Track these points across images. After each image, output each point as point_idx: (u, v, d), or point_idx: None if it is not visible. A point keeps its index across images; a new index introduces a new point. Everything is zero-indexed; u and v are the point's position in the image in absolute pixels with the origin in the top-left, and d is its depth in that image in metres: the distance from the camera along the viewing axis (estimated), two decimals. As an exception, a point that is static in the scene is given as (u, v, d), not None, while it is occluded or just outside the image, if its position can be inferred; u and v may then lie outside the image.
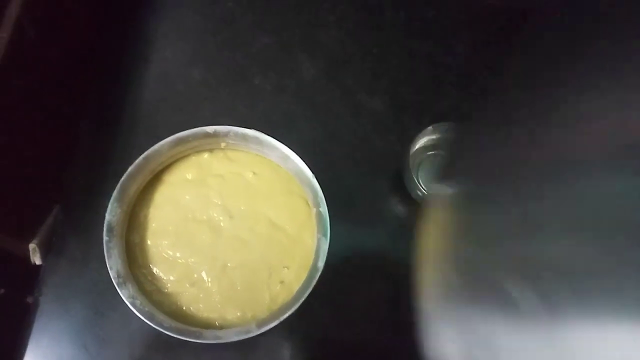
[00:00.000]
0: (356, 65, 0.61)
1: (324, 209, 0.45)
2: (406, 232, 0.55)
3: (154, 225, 0.47)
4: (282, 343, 0.49)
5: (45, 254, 0.49)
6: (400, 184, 0.55)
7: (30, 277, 0.48)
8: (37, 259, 0.48)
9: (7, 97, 0.43)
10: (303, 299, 0.41)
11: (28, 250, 0.47)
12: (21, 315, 0.48)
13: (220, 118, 0.56)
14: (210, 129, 0.46)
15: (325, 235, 0.44)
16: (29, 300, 0.48)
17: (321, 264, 0.43)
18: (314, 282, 0.42)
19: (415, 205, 0.55)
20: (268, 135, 0.47)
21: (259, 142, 0.47)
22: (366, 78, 0.61)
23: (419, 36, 0.64)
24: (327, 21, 0.63)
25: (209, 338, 0.40)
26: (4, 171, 0.44)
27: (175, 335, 0.39)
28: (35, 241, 0.47)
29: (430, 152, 0.57)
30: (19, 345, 0.46)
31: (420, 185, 0.55)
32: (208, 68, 0.58)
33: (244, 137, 0.47)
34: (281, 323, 0.41)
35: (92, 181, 0.52)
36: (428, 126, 0.53)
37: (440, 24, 0.65)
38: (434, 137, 0.56)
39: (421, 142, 0.55)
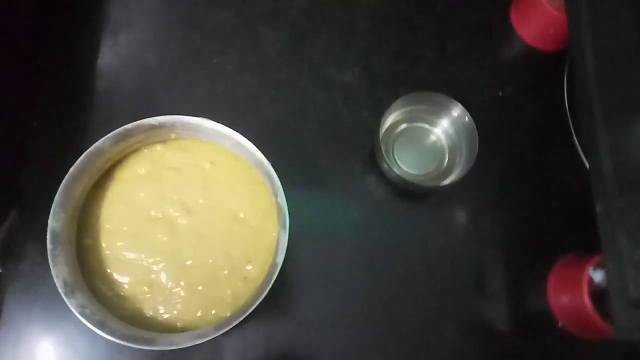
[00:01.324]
0: (323, 35, 0.56)
1: (282, 198, 0.41)
2: (381, 212, 0.51)
3: (107, 226, 0.44)
4: (259, 335, 0.47)
5: (4, 260, 0.47)
6: (374, 162, 0.51)
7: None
8: (-5, 267, 0.47)
9: None
10: (262, 297, 0.39)
11: (-16, 259, 0.46)
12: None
13: (178, 104, 0.53)
14: (154, 120, 0.43)
15: (284, 227, 0.41)
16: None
17: (280, 259, 0.40)
18: (274, 278, 0.39)
19: (390, 184, 0.51)
20: (226, 119, 0.43)
21: (208, 130, 0.43)
22: (335, 49, 0.56)
23: (393, -2, 0.58)
24: (292, -12, 0.58)
25: (162, 344, 0.38)
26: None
27: (126, 344, 0.37)
28: (-10, 249, 0.46)
29: (405, 125, 0.53)
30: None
31: (394, 163, 0.51)
32: (163, 51, 0.54)
33: (191, 127, 0.43)
34: (253, 316, 0.38)
35: (47, 181, 0.49)
36: (405, 98, 0.49)
37: (416, -18, 0.59)
38: (408, 108, 0.51)
39: (393, 115, 0.51)
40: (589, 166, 0.41)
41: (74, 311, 0.38)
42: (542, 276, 0.49)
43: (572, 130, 0.51)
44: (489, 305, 0.50)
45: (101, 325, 0.38)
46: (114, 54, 0.54)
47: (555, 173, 0.53)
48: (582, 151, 0.49)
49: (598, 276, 0.43)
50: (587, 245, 0.45)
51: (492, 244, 0.51)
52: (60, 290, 0.38)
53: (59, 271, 0.39)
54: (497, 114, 0.55)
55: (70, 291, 0.39)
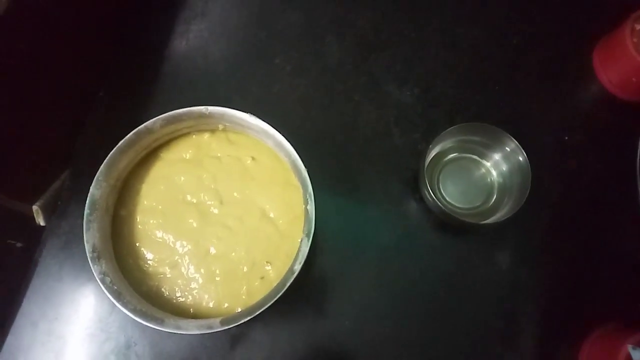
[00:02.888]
0: (388, 52, 0.55)
1: (312, 207, 0.41)
2: (414, 240, 0.49)
3: (145, 202, 0.46)
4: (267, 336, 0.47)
5: (48, 216, 0.50)
6: (416, 187, 0.50)
7: (34, 238, 0.50)
8: (40, 221, 0.50)
9: (24, 57, 0.43)
10: (272, 302, 0.38)
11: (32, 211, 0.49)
12: (24, 271, 0.50)
13: (233, 97, 0.54)
14: (205, 109, 0.44)
15: (308, 236, 0.40)
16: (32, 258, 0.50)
17: (298, 267, 0.39)
18: (287, 285, 0.39)
19: (429, 213, 0.49)
20: (276, 119, 0.43)
21: (254, 127, 0.44)
22: (397, 67, 0.55)
23: (467, 22, 0.56)
24: (363, 0, 0.57)
25: (169, 327, 0.38)
26: (17, 132, 0.45)
27: (137, 319, 0.38)
28: (38, 203, 0.49)
29: (455, 155, 0.51)
30: (16, 299, 0.48)
31: (438, 192, 0.49)
32: (229, 44, 0.56)
33: (238, 121, 0.44)
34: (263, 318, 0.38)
35: (101, 151, 0.52)
36: (459, 126, 0.47)
37: (494, 8, 0.57)
38: (462, 138, 0.49)
39: (445, 142, 0.49)
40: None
41: (96, 277, 0.40)
42: (576, 342, 0.45)
43: (639, 191, 0.47)
44: (516, 357, 0.46)
45: (117, 295, 0.39)
46: (184, 41, 0.56)
47: (611, 235, 0.49)
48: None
49: (637, 355, 0.38)
50: (630, 319, 0.41)
51: (528, 296, 0.48)
52: (88, 255, 0.40)
53: (90, 236, 0.41)
54: (559, 159, 0.51)
55: (97, 257, 0.40)
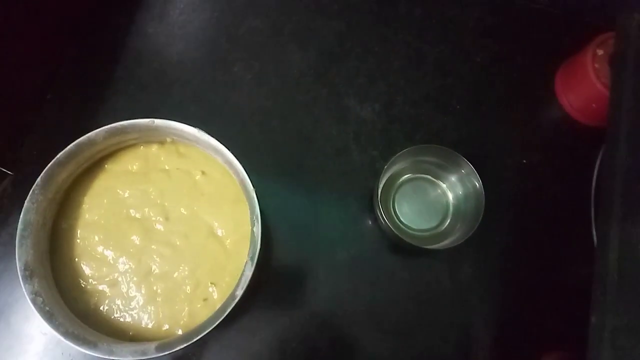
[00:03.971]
0: (352, 63, 0.54)
1: (258, 229, 0.39)
2: (370, 258, 0.48)
3: (86, 215, 0.44)
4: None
5: (-14, 225, 0.48)
6: (372, 207, 0.49)
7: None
8: (-23, 229, 0.47)
9: None
10: (211, 328, 0.37)
11: (-32, 219, 0.46)
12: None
13: (189, 105, 0.52)
14: (150, 122, 0.42)
15: (252, 259, 0.39)
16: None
17: (240, 292, 0.38)
18: (228, 311, 0.37)
19: (382, 235, 0.48)
20: (233, 129, 0.43)
21: (202, 142, 0.42)
22: (360, 80, 0.53)
23: (432, 38, 0.55)
24: (329, 8, 0.56)
25: (102, 351, 0.37)
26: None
27: (68, 342, 0.37)
28: (-25, 211, 0.46)
29: (413, 175, 0.50)
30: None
31: (392, 213, 0.48)
32: (187, 49, 0.54)
33: (185, 135, 0.42)
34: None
35: (47, 157, 0.49)
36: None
37: (460, 25, 0.56)
38: (419, 158, 0.48)
39: (402, 163, 0.48)
40: (595, 272, 0.37)
41: (27, 296, 0.38)
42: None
43: (593, 219, 0.47)
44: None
45: (49, 317, 0.37)
46: (139, 45, 0.54)
47: (563, 259, 0.49)
48: (598, 246, 0.45)
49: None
50: (576, 345, 0.41)
51: (479, 317, 0.47)
52: (19, 273, 0.38)
53: (22, 253, 0.39)
54: (516, 182, 0.51)
55: (29, 275, 0.38)
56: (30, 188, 0.48)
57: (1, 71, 0.46)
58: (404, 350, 0.47)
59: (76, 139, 0.41)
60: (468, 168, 0.46)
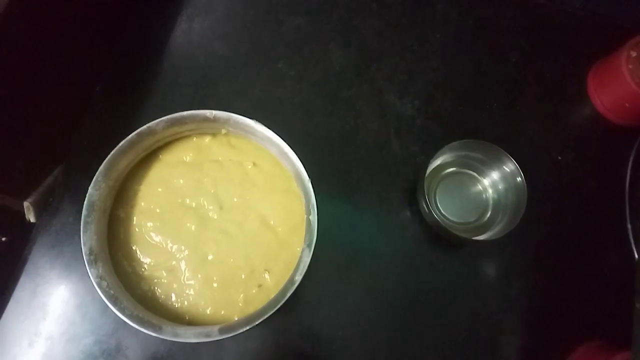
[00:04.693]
0: (392, 61, 0.56)
1: (314, 217, 0.41)
2: (409, 251, 0.50)
3: (142, 203, 0.45)
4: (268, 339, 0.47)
5: (39, 213, 0.49)
6: (414, 199, 0.50)
7: (24, 234, 0.49)
8: (31, 217, 0.48)
9: (21, 49, 0.42)
10: (271, 312, 0.38)
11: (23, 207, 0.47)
12: (12, 267, 0.48)
13: (234, 99, 0.53)
14: (209, 113, 0.43)
15: (309, 246, 0.40)
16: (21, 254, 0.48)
17: (299, 278, 0.39)
18: (288, 296, 0.39)
19: (425, 225, 0.50)
20: (277, 124, 0.43)
21: (258, 134, 0.44)
22: (400, 77, 0.55)
23: (470, 37, 0.57)
24: (369, 7, 0.57)
25: (167, 334, 0.38)
26: (11, 126, 0.44)
27: (133, 325, 0.38)
28: (30, 199, 0.47)
29: (453, 170, 0.51)
30: (2, 296, 0.47)
31: (434, 205, 0.50)
32: (232, 44, 0.55)
33: (243, 127, 0.44)
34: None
35: (97, 148, 0.50)
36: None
37: (496, 26, 0.58)
38: (461, 153, 0.50)
39: (444, 157, 0.50)
40: (638, 258, 0.39)
41: (92, 280, 0.39)
42: (562, 356, 0.47)
43: (628, 214, 0.48)
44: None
45: (114, 300, 0.39)
46: (186, 39, 0.55)
47: (599, 254, 0.50)
48: (634, 239, 0.47)
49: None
50: (615, 337, 0.43)
51: (516, 310, 0.49)
52: (85, 258, 0.39)
53: (87, 239, 0.40)
54: (552, 178, 0.53)
55: (94, 260, 0.40)
56: (80, 178, 0.49)
57: (54, 66, 0.47)
58: (445, 337, 0.48)
59: (123, 132, 0.42)
60: (511, 165, 0.47)
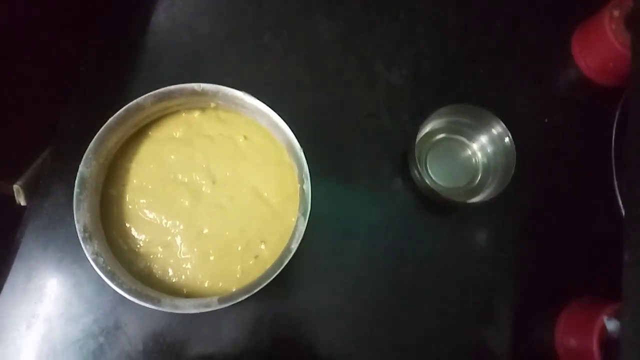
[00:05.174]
0: (379, 31, 0.55)
1: (308, 186, 0.41)
2: (402, 218, 0.50)
3: (134, 181, 0.45)
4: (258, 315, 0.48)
5: (30, 196, 0.48)
6: (405, 168, 0.51)
7: (15, 217, 0.48)
8: (21, 200, 0.48)
9: (3, 29, 0.41)
10: (269, 280, 0.39)
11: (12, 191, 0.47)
12: (4, 252, 0.48)
13: (222, 75, 0.53)
14: (197, 86, 0.43)
15: (304, 214, 0.41)
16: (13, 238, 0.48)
17: (295, 246, 0.40)
18: (285, 264, 0.39)
19: (417, 192, 0.50)
20: (266, 98, 0.43)
21: (248, 105, 0.43)
22: (387, 47, 0.55)
23: (454, 4, 0.57)
24: (354, -22, 0.57)
25: (166, 306, 0.38)
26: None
27: (132, 299, 0.38)
28: (19, 182, 0.47)
29: (443, 135, 0.52)
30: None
31: (425, 172, 0.50)
32: (217, 19, 0.55)
33: (233, 100, 0.43)
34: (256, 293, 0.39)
35: (84, 128, 0.49)
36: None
37: (480, -8, 0.58)
38: (450, 119, 0.51)
39: (433, 123, 0.50)
40: (625, 213, 0.40)
41: (89, 257, 0.39)
42: (554, 313, 0.48)
43: (614, 172, 0.49)
44: (494, 331, 0.49)
45: (112, 276, 0.39)
46: (169, 15, 0.54)
47: (587, 212, 0.52)
48: (620, 196, 0.48)
49: (612, 325, 0.41)
50: (606, 291, 0.44)
51: (509, 271, 0.50)
52: (79, 235, 0.39)
53: (80, 216, 0.40)
54: (539, 141, 0.53)
55: (88, 237, 0.39)
56: (69, 158, 0.49)
57: (33, 43, 0.46)
58: (440, 303, 0.49)
59: (109, 110, 0.42)
60: (499, 127, 0.48)
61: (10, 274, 0.47)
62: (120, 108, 0.42)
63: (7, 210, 0.48)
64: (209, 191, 0.45)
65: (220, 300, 0.39)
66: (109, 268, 0.39)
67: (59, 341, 0.46)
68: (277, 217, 0.44)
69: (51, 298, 0.47)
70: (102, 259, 0.39)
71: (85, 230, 0.40)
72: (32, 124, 0.48)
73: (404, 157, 0.51)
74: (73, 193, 0.48)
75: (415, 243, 0.50)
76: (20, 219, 0.48)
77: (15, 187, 0.47)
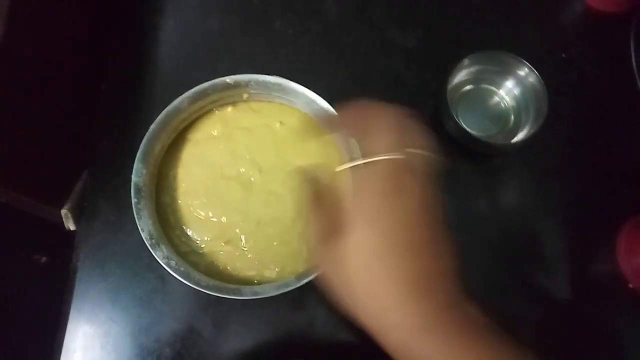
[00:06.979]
0: (385, -2, 0.56)
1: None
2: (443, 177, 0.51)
3: (183, 185, 0.45)
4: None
5: (77, 219, 0.48)
6: (438, 123, 0.51)
7: (67, 244, 0.48)
8: (70, 225, 0.48)
9: (25, 65, 0.41)
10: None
11: (61, 217, 0.47)
12: (62, 282, 0.48)
13: (241, 68, 0.53)
14: (230, 79, 0.43)
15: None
16: (69, 266, 0.48)
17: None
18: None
19: (453, 146, 0.51)
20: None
21: (282, 88, 0.44)
22: (396, 12, 0.56)
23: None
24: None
25: (246, 294, 0.39)
26: (33, 138, 0.43)
27: (213, 293, 0.38)
28: (66, 207, 0.47)
29: (470, 87, 0.52)
30: (62, 311, 0.47)
31: (460, 122, 0.51)
32: (224, 16, 0.55)
33: (266, 85, 0.44)
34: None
35: (117, 143, 0.50)
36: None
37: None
38: (472, 69, 0.51)
39: (459, 76, 0.51)
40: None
41: (161, 262, 0.39)
42: (611, 238, 0.49)
43: (641, 88, 0.50)
44: (555, 268, 0.49)
45: (187, 276, 0.39)
46: (177, 20, 0.54)
47: (624, 137, 0.52)
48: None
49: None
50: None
51: (559, 206, 0.50)
52: (147, 242, 0.39)
53: (144, 224, 0.40)
54: (561, 76, 0.54)
55: (156, 243, 0.40)
56: (108, 177, 0.49)
57: (57, 69, 0.46)
58: (483, 244, 0.49)
59: (137, 121, 0.42)
60: (522, 65, 0.48)
61: (74, 300, 0.47)
62: (146, 119, 0.42)
63: (57, 237, 0.48)
64: (258, 180, 0.45)
65: (298, 278, 0.39)
66: (182, 269, 0.39)
67: (135, 354, 0.46)
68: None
69: (119, 315, 0.47)
70: (174, 262, 0.39)
71: (151, 237, 0.40)
72: (70, 145, 0.48)
73: (433, 115, 0.51)
74: (118, 210, 0.48)
75: (459, 195, 0.51)
76: (72, 244, 0.48)
77: (64, 211, 0.47)
